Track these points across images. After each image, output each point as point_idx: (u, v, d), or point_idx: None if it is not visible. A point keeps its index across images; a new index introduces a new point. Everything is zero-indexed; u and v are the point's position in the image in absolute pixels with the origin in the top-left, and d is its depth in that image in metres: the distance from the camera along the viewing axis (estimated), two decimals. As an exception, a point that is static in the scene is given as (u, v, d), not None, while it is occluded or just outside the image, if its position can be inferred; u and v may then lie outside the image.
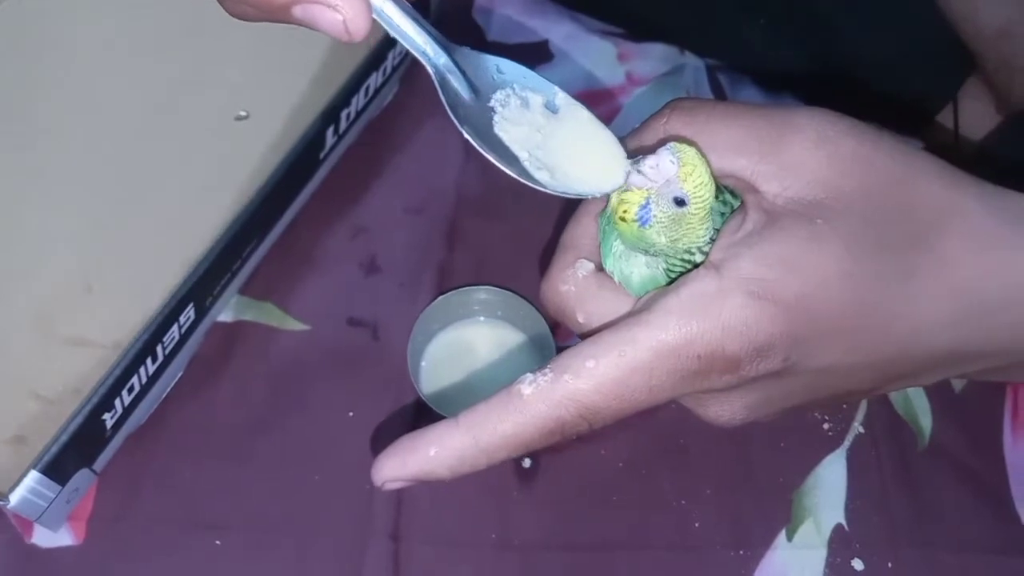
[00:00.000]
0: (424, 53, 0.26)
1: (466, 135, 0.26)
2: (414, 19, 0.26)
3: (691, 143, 0.26)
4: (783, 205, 0.25)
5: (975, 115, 0.46)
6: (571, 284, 0.28)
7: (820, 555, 0.38)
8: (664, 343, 0.24)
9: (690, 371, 0.24)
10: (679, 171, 0.25)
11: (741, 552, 0.38)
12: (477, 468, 0.26)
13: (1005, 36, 0.43)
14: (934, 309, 0.26)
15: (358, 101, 0.46)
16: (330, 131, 0.45)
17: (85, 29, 0.46)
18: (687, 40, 0.53)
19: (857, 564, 0.37)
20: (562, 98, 0.27)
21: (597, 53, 0.53)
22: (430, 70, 0.26)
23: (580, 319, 0.28)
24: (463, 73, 0.26)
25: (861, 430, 0.41)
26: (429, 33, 0.26)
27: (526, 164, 0.26)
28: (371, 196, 0.47)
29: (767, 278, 0.24)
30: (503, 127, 0.26)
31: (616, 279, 0.28)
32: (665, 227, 0.26)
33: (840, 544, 0.38)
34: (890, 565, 0.37)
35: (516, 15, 0.54)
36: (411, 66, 0.50)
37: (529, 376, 0.25)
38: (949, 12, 0.45)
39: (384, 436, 0.39)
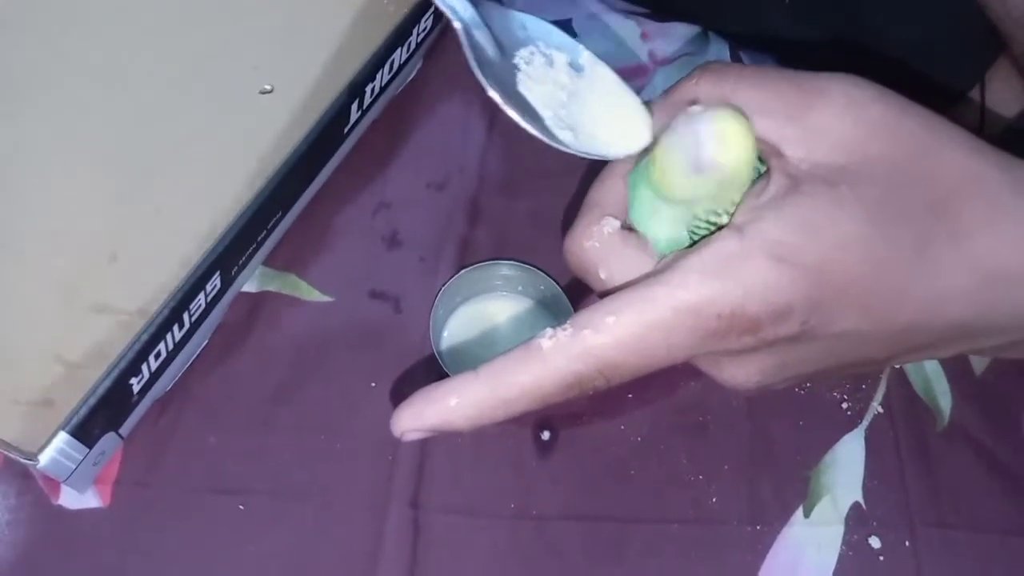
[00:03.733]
0: (451, 7, 0.26)
1: (490, 92, 0.25)
2: None
3: (735, 108, 0.26)
4: (807, 170, 0.25)
5: (1003, 98, 0.46)
6: (595, 240, 0.28)
7: (837, 532, 0.38)
8: (685, 302, 0.24)
9: (709, 331, 0.25)
10: (724, 156, 0.25)
11: (758, 527, 0.38)
12: (495, 420, 0.26)
13: (1034, 17, 0.43)
14: (951, 278, 0.26)
15: (383, 76, 0.46)
16: (354, 106, 0.45)
17: (111, 0, 0.47)
18: (710, 19, 0.52)
19: (874, 542, 0.38)
20: (587, 57, 0.27)
21: (620, 32, 0.52)
22: (457, 24, 0.26)
23: (602, 275, 0.28)
24: (489, 28, 0.26)
25: (880, 410, 0.41)
26: None
27: (549, 123, 0.26)
28: (393, 171, 0.47)
29: (789, 241, 0.24)
30: (527, 85, 0.26)
31: (644, 236, 0.28)
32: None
33: (857, 522, 0.38)
34: (907, 544, 0.38)
35: (540, -7, 0.54)
36: (435, 42, 0.51)
37: (549, 331, 0.25)
38: (977, -8, 0.45)
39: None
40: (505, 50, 0.26)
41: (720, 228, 0.26)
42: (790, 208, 0.25)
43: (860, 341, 0.27)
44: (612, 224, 0.28)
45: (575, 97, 0.26)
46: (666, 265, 0.26)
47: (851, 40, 0.47)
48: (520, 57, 0.26)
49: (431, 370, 0.40)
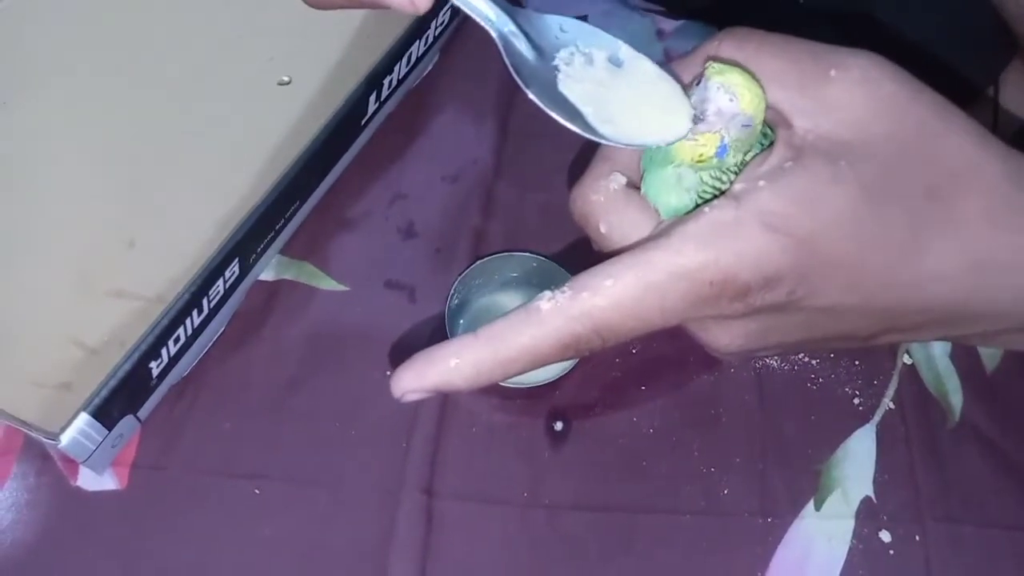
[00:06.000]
0: (487, 18, 0.27)
1: (531, 95, 0.26)
2: None
3: (731, 63, 0.26)
4: (812, 142, 0.26)
5: (1016, 99, 0.46)
6: (601, 194, 0.28)
7: (848, 525, 0.38)
8: (680, 266, 0.25)
9: (702, 296, 0.25)
10: (740, 104, 0.26)
11: (769, 520, 0.38)
12: (493, 380, 0.26)
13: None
14: (940, 262, 0.26)
15: (400, 69, 0.47)
16: (372, 97, 0.46)
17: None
18: (724, 18, 0.53)
19: (885, 536, 0.38)
20: (626, 51, 0.28)
21: (636, 30, 0.53)
22: (493, 35, 0.27)
23: (602, 229, 0.28)
24: (526, 35, 0.27)
25: (891, 405, 0.41)
26: None
27: (590, 119, 0.27)
28: (409, 163, 0.48)
29: (783, 212, 0.25)
30: (567, 84, 0.27)
31: (652, 204, 0.28)
32: (739, 147, 0.27)
33: (868, 516, 0.38)
34: (917, 538, 0.38)
35: (556, -11, 0.54)
36: (452, 36, 0.51)
37: (548, 293, 0.26)
38: (992, -7, 0.45)
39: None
40: (544, 53, 0.27)
41: (723, 193, 0.27)
42: (788, 179, 0.25)
43: (844, 316, 0.27)
44: (619, 180, 0.28)
45: (615, 91, 0.27)
46: (664, 231, 0.26)
47: (867, 41, 0.48)
48: (560, 58, 0.27)
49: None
